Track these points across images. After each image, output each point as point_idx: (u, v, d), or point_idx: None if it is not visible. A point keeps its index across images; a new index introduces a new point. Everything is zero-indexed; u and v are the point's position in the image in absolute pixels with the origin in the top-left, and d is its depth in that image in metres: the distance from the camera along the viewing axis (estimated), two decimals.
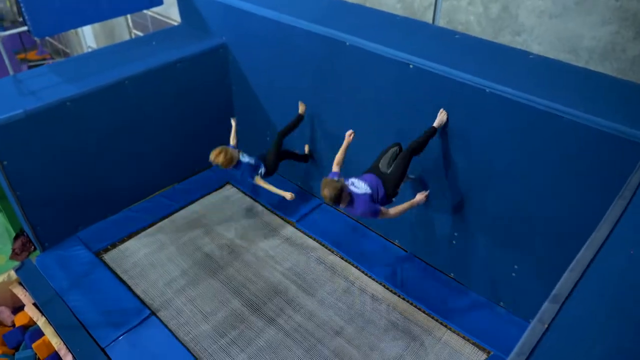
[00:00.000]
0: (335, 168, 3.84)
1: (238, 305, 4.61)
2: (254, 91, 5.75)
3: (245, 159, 4.80)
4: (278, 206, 5.69)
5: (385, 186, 3.74)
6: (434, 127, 3.92)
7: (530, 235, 3.93)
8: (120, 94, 4.97)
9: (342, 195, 3.51)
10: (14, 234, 5.21)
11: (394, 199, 3.89)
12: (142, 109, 5.28)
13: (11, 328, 4.81)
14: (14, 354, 4.55)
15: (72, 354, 4.18)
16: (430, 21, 4.57)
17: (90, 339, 4.26)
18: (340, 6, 5.03)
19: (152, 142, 5.55)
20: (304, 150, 5.47)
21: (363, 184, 3.68)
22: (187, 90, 5.60)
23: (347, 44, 4.39)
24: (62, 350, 4.26)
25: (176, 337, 4.30)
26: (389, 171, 3.76)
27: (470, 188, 4.15)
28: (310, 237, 5.31)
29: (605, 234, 1.95)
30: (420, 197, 3.82)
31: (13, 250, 5.06)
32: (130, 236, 5.33)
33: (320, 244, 5.23)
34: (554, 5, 3.78)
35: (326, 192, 3.45)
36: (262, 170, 4.85)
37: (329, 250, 5.15)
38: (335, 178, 3.56)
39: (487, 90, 3.64)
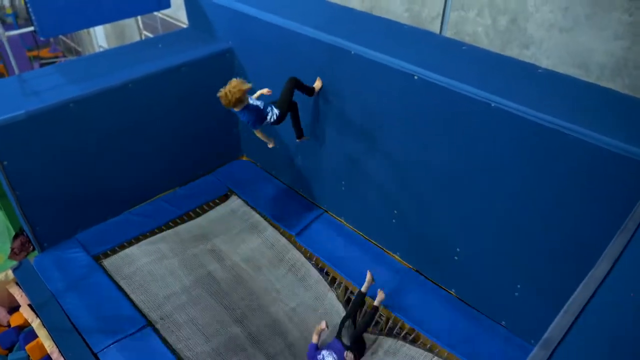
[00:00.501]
0: (314, 338, 4.27)
1: (240, 334, 4.51)
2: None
3: (254, 102, 4.33)
4: (281, 218, 5.58)
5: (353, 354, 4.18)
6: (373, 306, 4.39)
7: (534, 255, 3.82)
8: (123, 96, 4.95)
9: None
10: (13, 233, 5.20)
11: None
12: (146, 111, 5.25)
13: (6, 328, 4.80)
14: (7, 355, 4.53)
15: (64, 358, 4.14)
16: (438, 31, 4.48)
17: (83, 343, 4.22)
18: (346, 14, 4.97)
19: (154, 145, 5.51)
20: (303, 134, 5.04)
21: (331, 358, 4.09)
22: (192, 94, 5.57)
23: (352, 52, 4.32)
24: (55, 354, 4.22)
25: (172, 353, 4.22)
26: (349, 344, 4.21)
27: (473, 203, 4.05)
28: (312, 256, 5.18)
29: (604, 272, 1.83)
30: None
31: (12, 249, 5.05)
32: (130, 242, 5.27)
33: (321, 265, 5.11)
34: (564, 18, 3.67)
35: None
36: (275, 114, 4.40)
37: (330, 269, 5.02)
38: None
39: (493, 105, 3.55)
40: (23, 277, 4.79)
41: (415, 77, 3.94)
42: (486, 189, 3.89)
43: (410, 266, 4.93)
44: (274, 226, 5.57)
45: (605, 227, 2.93)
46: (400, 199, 4.67)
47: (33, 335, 4.51)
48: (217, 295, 4.83)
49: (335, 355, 4.10)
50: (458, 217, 4.22)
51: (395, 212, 4.80)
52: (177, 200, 5.80)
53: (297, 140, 5.04)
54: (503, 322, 4.34)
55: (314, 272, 5.10)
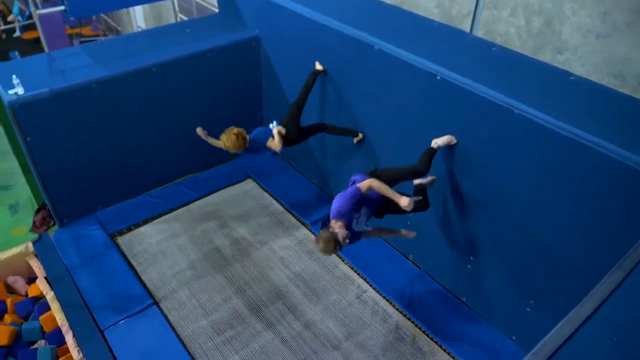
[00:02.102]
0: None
1: (239, 305, 4.54)
2: (282, 87, 5.64)
3: (251, 135, 4.45)
4: (295, 205, 5.59)
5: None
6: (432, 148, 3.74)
7: (549, 271, 3.64)
8: (147, 79, 4.98)
9: (341, 241, 3.27)
10: (37, 207, 5.36)
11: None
12: (169, 96, 5.28)
13: (24, 298, 4.97)
14: (22, 324, 4.69)
15: (72, 332, 4.26)
16: (468, 30, 4.29)
17: (91, 319, 4.32)
18: (375, 7, 4.82)
19: (177, 130, 5.54)
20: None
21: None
22: (217, 81, 5.56)
23: (375, 47, 4.19)
24: (65, 327, 4.35)
25: (173, 330, 4.28)
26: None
27: (489, 212, 3.89)
28: None
29: (590, 309, 1.68)
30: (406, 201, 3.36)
31: (34, 222, 5.20)
32: (146, 221, 5.37)
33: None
34: (603, 24, 3.42)
35: (322, 247, 3.26)
36: (275, 125, 4.46)
37: (340, 258, 5.00)
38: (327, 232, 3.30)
39: (516, 112, 3.36)
40: (42, 250, 4.94)
41: (438, 77, 3.79)
42: (503, 198, 3.72)
43: (423, 269, 4.82)
44: (287, 211, 5.58)
45: (625, 249, 2.74)
46: None
47: (47, 307, 4.66)
48: (221, 268, 4.88)
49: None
50: (472, 224, 4.07)
51: (410, 214, 4.67)
52: (196, 185, 5.85)
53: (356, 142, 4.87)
54: (513, 337, 4.19)
55: None
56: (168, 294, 4.62)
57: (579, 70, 3.64)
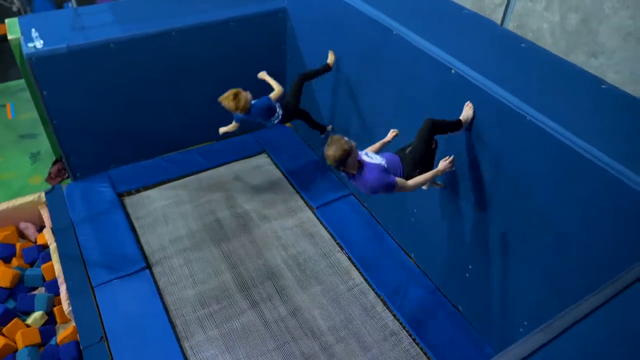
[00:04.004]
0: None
1: (229, 280, 4.52)
2: (305, 63, 5.45)
3: (258, 103, 4.49)
4: (305, 186, 5.47)
5: (405, 163, 3.23)
6: (460, 120, 3.39)
7: (547, 294, 3.35)
8: (165, 43, 4.93)
9: (349, 159, 2.95)
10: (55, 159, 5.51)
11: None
12: (189, 62, 5.22)
13: (33, 244, 5.16)
14: (27, 269, 4.89)
15: (65, 284, 4.39)
16: (499, 22, 3.92)
17: (85, 275, 4.43)
18: None
19: (195, 97, 5.50)
20: (326, 126, 5.15)
21: (379, 156, 3.15)
22: (240, 51, 5.44)
23: (394, 32, 3.92)
24: (60, 278, 4.48)
25: (160, 296, 4.32)
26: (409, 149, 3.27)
27: (490, 217, 3.61)
28: (325, 228, 5.05)
29: (522, 354, 1.42)
30: (443, 164, 3.27)
31: (49, 173, 5.36)
32: (155, 185, 5.42)
33: (332, 237, 4.95)
34: None
35: (331, 151, 2.91)
36: (280, 113, 4.57)
37: (339, 247, 4.86)
38: (346, 139, 2.96)
39: (528, 118, 3.05)
40: (52, 201, 5.09)
41: (453, 71, 3.49)
42: (507, 207, 3.43)
43: (423, 269, 4.61)
44: (295, 191, 5.48)
45: None
46: (420, 197, 4.30)
47: (50, 257, 4.81)
48: (219, 241, 4.88)
49: (384, 156, 3.22)
50: (474, 231, 3.81)
51: (415, 210, 4.46)
52: (210, 154, 5.84)
53: (322, 136, 5.14)
54: None
55: (325, 234, 4.97)
56: (162, 259, 4.66)
57: (612, 77, 3.24)
